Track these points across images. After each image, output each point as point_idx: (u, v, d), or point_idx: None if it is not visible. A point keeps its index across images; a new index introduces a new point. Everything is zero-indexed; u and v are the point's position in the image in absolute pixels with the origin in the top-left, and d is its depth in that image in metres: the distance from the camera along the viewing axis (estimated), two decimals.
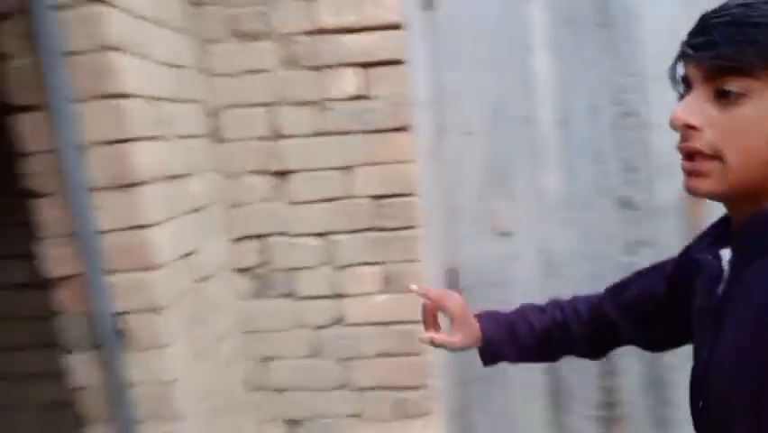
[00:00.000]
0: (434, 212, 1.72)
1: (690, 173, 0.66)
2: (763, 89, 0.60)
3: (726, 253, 0.71)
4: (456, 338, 0.97)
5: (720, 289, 0.69)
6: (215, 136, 1.59)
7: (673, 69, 0.69)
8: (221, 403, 1.45)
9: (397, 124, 1.54)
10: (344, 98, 1.55)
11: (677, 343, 0.94)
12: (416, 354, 1.60)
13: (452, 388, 1.77)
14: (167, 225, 1.24)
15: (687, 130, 0.64)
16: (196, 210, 1.42)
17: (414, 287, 0.98)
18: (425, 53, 1.69)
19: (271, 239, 1.63)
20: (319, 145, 1.57)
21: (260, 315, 1.65)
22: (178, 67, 1.39)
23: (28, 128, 1.14)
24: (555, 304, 1.03)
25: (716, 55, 0.61)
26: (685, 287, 0.82)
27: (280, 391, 1.67)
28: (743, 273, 0.66)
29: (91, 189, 1.15)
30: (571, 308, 1.01)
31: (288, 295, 1.64)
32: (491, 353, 1.00)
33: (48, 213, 1.17)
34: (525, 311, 1.03)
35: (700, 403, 0.71)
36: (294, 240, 1.62)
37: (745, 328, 0.62)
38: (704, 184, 0.65)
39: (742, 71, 0.60)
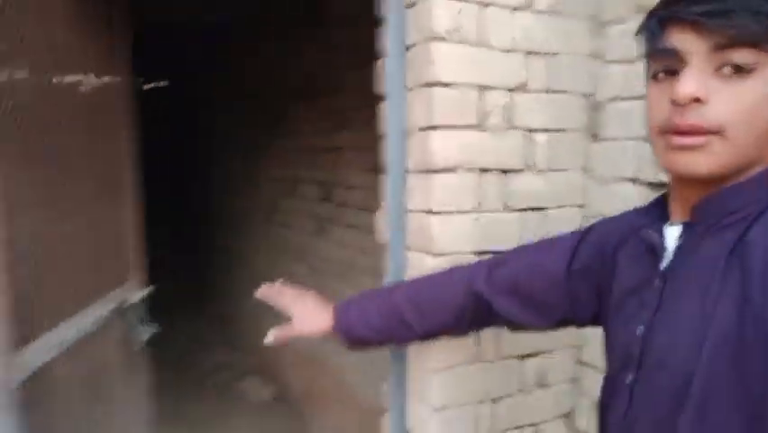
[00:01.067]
0: None
1: (685, 148, 0.63)
2: None
3: (672, 231, 0.72)
4: (297, 327, 1.07)
5: (663, 265, 0.71)
6: (591, 132, 1.38)
7: (651, 34, 0.67)
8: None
9: None
10: None
11: (559, 323, 0.97)
12: None
13: None
14: (458, 216, 1.20)
15: (691, 104, 0.61)
16: (524, 209, 1.30)
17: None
18: None
19: None
20: None
21: None
22: (540, 54, 1.28)
23: (383, 114, 1.34)
24: (415, 282, 1.10)
25: (732, 25, 0.58)
26: (595, 266, 0.87)
27: None
28: (697, 249, 0.67)
29: (406, 171, 1.26)
30: (435, 286, 1.05)
31: None
32: (345, 335, 1.06)
33: (383, 188, 1.35)
34: (382, 292, 1.11)
35: (629, 378, 0.71)
36: None
37: (719, 300, 0.61)
38: (704, 161, 0.63)
39: (755, 44, 0.58)
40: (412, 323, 1.02)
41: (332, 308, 1.08)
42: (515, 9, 1.24)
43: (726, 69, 0.60)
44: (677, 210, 0.73)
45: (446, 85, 1.17)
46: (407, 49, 1.24)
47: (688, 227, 0.70)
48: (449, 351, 1.22)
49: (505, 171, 1.26)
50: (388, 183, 1.26)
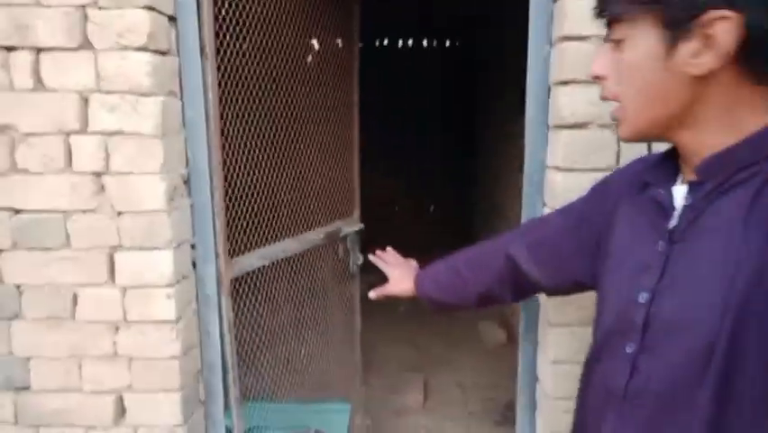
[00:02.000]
0: None
1: (613, 119, 0.72)
2: (637, 34, 0.64)
3: (680, 190, 0.70)
4: (390, 287, 1.27)
5: (671, 225, 0.69)
6: None
7: None
8: None
9: None
10: None
11: (573, 284, 0.95)
12: None
13: None
14: (588, 173, 1.17)
15: (597, 80, 0.71)
16: None
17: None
18: None
19: None
20: None
21: None
22: None
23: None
24: (476, 245, 1.16)
25: (601, 8, 0.68)
26: (595, 219, 0.86)
27: None
28: (707, 209, 0.65)
29: (547, 127, 1.27)
30: (486, 247, 1.12)
31: None
32: (422, 296, 1.20)
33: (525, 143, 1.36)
34: (452, 255, 1.17)
35: (628, 347, 0.69)
36: None
37: (741, 264, 0.59)
38: (621, 128, 0.71)
39: (619, 19, 0.65)
40: (466, 281, 1.10)
41: (416, 275, 1.22)
42: None
43: (613, 44, 0.68)
44: (685, 168, 0.71)
45: (581, 38, 1.15)
46: (554, 2, 1.23)
47: (694, 187, 0.67)
48: (570, 308, 1.23)
49: None
50: (527, 138, 1.30)
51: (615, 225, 0.80)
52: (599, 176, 1.16)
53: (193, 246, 1.37)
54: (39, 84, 1.18)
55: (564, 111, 1.17)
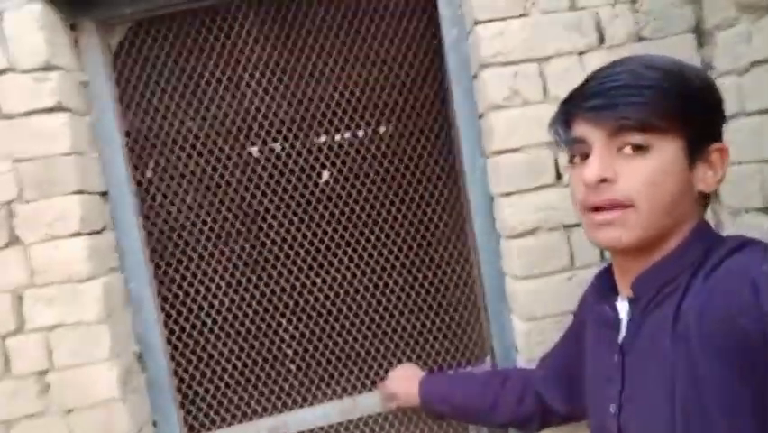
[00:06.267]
0: None
1: (605, 224, 0.69)
2: (662, 140, 0.67)
3: (623, 305, 0.76)
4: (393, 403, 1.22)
5: (620, 339, 0.74)
6: None
7: (558, 129, 0.76)
8: None
9: None
10: None
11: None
12: None
13: None
14: (544, 278, 1.17)
15: (601, 184, 0.69)
16: None
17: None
18: None
19: None
20: None
21: None
22: None
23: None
24: (500, 377, 1.11)
25: (619, 116, 0.67)
26: (581, 342, 0.90)
27: None
28: (644, 323, 0.71)
29: (499, 235, 1.28)
30: (511, 384, 1.08)
31: None
32: (429, 411, 1.16)
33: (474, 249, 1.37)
34: (465, 379, 1.16)
35: None
36: None
37: (676, 376, 0.63)
38: (624, 234, 0.69)
39: (642, 129, 0.67)
40: (485, 411, 1.09)
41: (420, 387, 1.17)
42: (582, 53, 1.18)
43: (627, 149, 0.69)
44: (622, 284, 0.78)
45: (514, 150, 1.18)
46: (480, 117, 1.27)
47: (633, 302, 0.75)
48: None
49: None
50: (478, 246, 1.30)
51: (585, 339, 0.88)
52: (560, 277, 1.18)
53: (155, 424, 1.27)
54: None
55: (512, 220, 1.18)
